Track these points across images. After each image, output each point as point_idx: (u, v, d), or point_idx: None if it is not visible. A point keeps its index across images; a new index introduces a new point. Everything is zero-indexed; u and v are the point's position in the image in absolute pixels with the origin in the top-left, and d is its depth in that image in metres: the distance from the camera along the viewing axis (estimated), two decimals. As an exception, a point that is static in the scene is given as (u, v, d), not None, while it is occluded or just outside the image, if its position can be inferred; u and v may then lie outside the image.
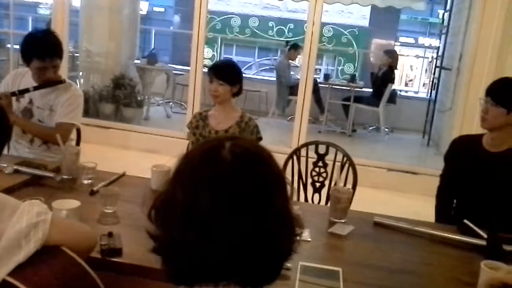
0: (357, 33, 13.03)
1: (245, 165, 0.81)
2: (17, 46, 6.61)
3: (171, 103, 7.32)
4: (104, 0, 5.93)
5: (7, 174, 1.93)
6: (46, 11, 11.49)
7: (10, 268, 0.98)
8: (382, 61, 6.68)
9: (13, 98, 2.47)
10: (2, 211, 1.04)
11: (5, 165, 1.94)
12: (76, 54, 6.42)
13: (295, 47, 6.95)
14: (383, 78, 6.51)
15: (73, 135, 2.70)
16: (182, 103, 7.05)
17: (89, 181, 2.00)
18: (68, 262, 1.03)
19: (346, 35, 12.89)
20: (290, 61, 7.06)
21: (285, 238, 0.82)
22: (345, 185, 2.43)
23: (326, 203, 2.55)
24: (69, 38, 5.46)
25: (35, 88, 2.45)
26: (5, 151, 2.65)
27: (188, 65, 5.14)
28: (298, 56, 6.99)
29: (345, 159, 2.61)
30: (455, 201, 2.31)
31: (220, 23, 12.49)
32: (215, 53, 11.41)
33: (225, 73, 2.52)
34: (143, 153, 5.04)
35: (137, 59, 6.71)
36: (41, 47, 2.42)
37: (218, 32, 11.77)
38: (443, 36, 6.85)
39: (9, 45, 6.62)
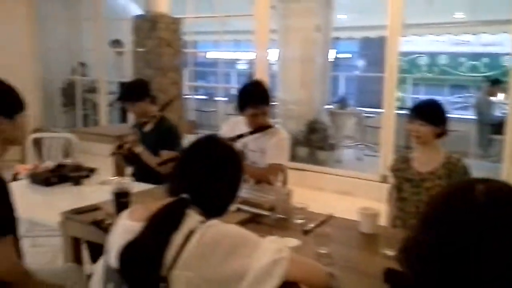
0: None
1: (500, 208, 0.77)
2: (224, 98, 7.49)
3: (361, 146, 7.32)
4: (298, 52, 6.32)
5: (232, 211, 2.14)
6: (243, 66, 12.71)
7: None
8: None
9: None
10: (245, 246, 1.14)
11: (230, 204, 2.16)
12: (274, 103, 6.93)
13: (496, 82, 6.39)
14: None
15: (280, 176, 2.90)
16: (373, 145, 6.99)
17: (301, 221, 2.11)
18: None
19: (556, 64, 11.35)
20: (491, 97, 6.48)
21: None
22: None
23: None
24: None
25: (250, 133, 2.73)
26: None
27: (376, 107, 5.12)
28: (501, 92, 6.39)
29: None
30: None
31: (407, 63, 12.21)
32: (403, 94, 11.13)
33: (427, 113, 2.43)
34: (337, 194, 5.11)
35: (328, 104, 6.95)
36: (254, 96, 2.72)
37: (405, 72, 11.50)
38: None
39: (217, 98, 7.52)
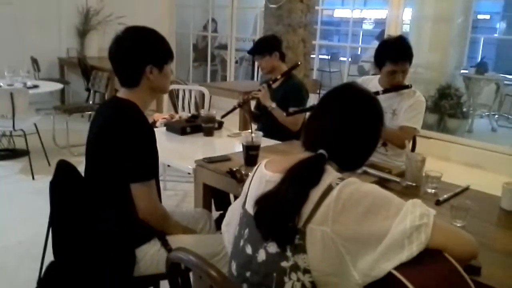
0: None
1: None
2: (349, 59, 7.26)
3: (496, 116, 6.72)
4: (434, 10, 5.88)
5: (358, 174, 2.06)
6: (369, 26, 12.16)
7: (394, 265, 1.04)
8: None
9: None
10: (386, 208, 1.10)
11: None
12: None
13: None
14: None
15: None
16: (510, 116, 6.38)
17: (433, 190, 1.99)
18: (450, 269, 1.02)
19: None
20: None
21: None
22: None
23: None
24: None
25: (384, 92, 2.58)
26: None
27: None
28: None
29: None
30: None
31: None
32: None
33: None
34: (465, 167, 4.79)
35: (464, 69, 6.42)
36: (394, 51, 2.57)
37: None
38: None
39: (342, 58, 7.31)
